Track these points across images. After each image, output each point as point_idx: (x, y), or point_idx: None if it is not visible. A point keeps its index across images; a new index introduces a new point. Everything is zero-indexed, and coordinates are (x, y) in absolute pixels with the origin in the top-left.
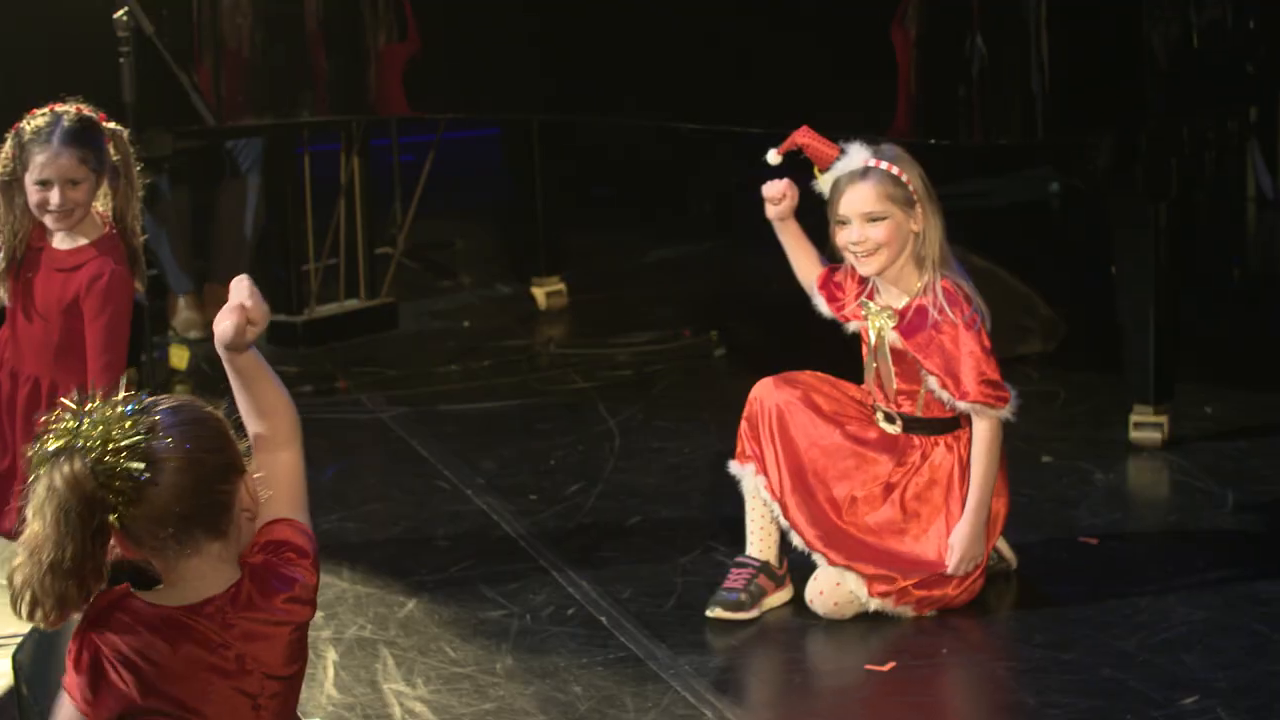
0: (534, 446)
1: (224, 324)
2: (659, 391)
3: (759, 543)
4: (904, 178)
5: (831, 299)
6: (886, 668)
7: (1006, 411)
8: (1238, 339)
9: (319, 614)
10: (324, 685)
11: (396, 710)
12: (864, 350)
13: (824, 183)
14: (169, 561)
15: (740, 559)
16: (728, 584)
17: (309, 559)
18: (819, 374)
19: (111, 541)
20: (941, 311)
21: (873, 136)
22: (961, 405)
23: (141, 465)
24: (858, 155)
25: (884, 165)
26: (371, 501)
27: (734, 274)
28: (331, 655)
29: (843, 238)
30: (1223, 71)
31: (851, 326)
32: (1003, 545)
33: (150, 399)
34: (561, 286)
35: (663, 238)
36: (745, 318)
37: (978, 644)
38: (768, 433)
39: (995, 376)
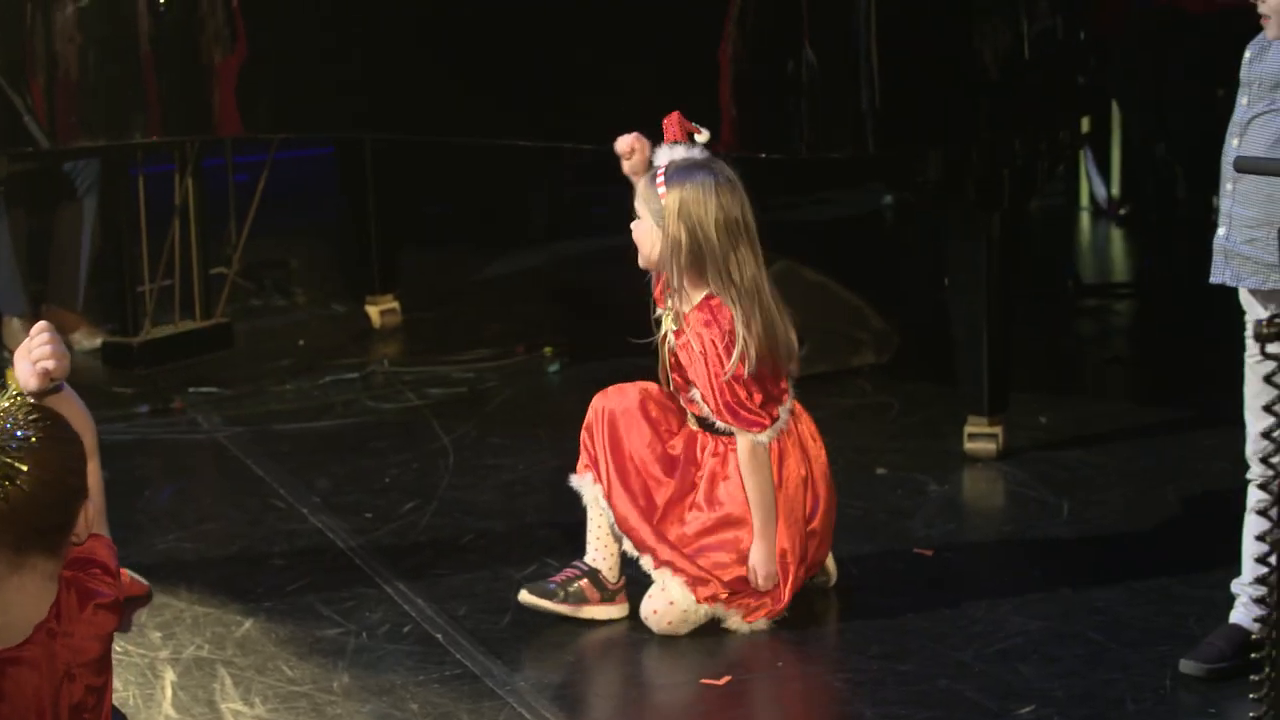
0: (369, 465)
1: (27, 379)
2: (493, 408)
3: (594, 551)
4: (661, 190)
5: (657, 288)
6: (722, 681)
7: (763, 436)
8: (1071, 349)
9: (156, 634)
10: (162, 706)
11: None
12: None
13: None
14: None
15: (574, 562)
16: (551, 577)
17: (112, 575)
18: (653, 384)
19: None
20: (694, 330)
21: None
22: (719, 424)
23: (18, 464)
24: (665, 155)
25: (659, 172)
26: (207, 521)
27: (568, 289)
28: (170, 675)
29: None
30: (1054, 82)
31: (658, 311)
32: (828, 560)
33: (29, 406)
34: (395, 304)
35: (497, 254)
36: (579, 333)
37: (814, 656)
38: (600, 437)
39: (740, 399)
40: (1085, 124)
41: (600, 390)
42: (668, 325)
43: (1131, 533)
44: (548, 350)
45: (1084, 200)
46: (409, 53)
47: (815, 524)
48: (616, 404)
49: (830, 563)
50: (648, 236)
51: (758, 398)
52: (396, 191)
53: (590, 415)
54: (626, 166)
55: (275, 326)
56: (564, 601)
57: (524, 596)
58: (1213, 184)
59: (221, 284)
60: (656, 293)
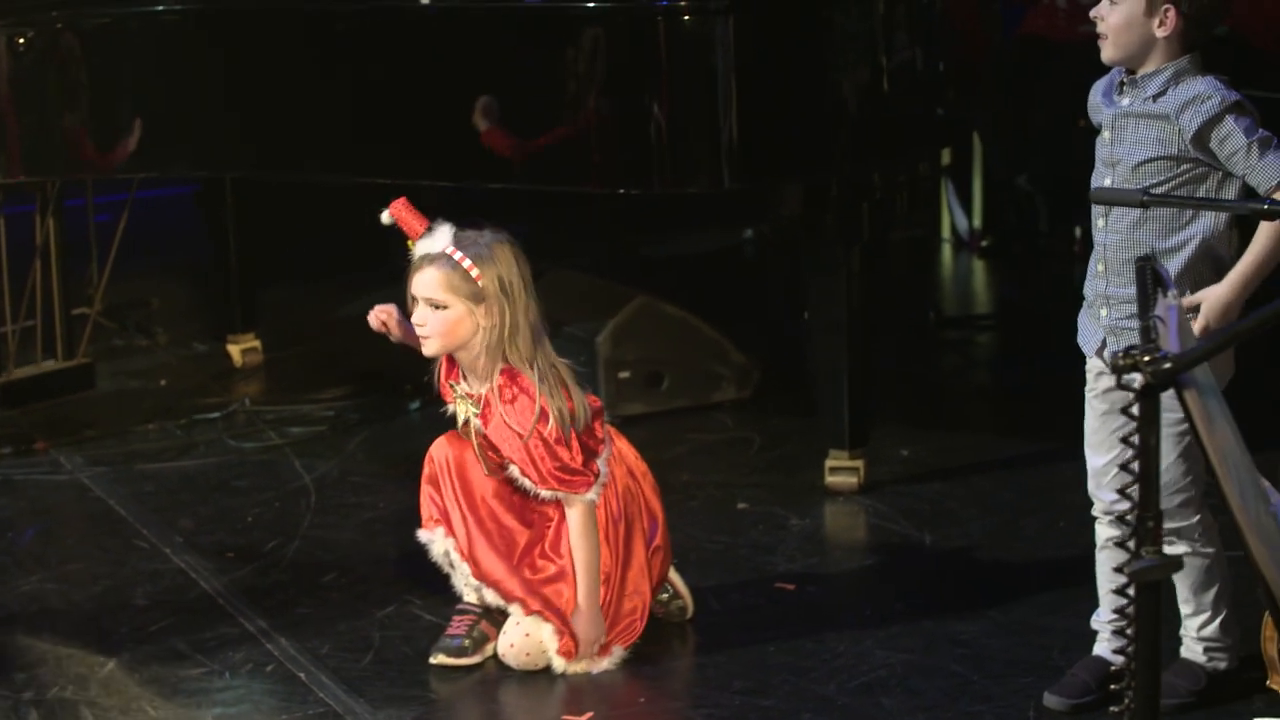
0: (231, 504)
1: None
2: (354, 446)
3: (473, 594)
4: (474, 273)
5: (438, 383)
6: (584, 717)
7: (591, 494)
8: (933, 381)
9: (20, 675)
10: None
11: None
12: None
13: (414, 254)
14: None
15: (461, 606)
16: (450, 631)
17: None
18: None
19: None
20: (503, 404)
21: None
22: (544, 494)
23: None
24: (442, 238)
25: (458, 256)
26: (71, 562)
27: None
28: (33, 717)
29: (413, 315)
30: (914, 114)
31: (449, 409)
32: (678, 582)
33: None
34: (257, 343)
35: (358, 292)
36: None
37: (676, 692)
38: (449, 487)
39: (564, 463)
40: (946, 156)
41: (435, 440)
42: (468, 412)
43: (994, 565)
44: (409, 388)
45: (945, 232)
46: (267, 92)
47: (658, 540)
48: (459, 451)
49: (681, 585)
50: (460, 324)
51: (579, 456)
52: (257, 230)
53: (432, 466)
54: (393, 338)
55: (137, 366)
56: (475, 652)
57: (437, 659)
58: (1074, 216)
59: (83, 324)
60: (443, 384)
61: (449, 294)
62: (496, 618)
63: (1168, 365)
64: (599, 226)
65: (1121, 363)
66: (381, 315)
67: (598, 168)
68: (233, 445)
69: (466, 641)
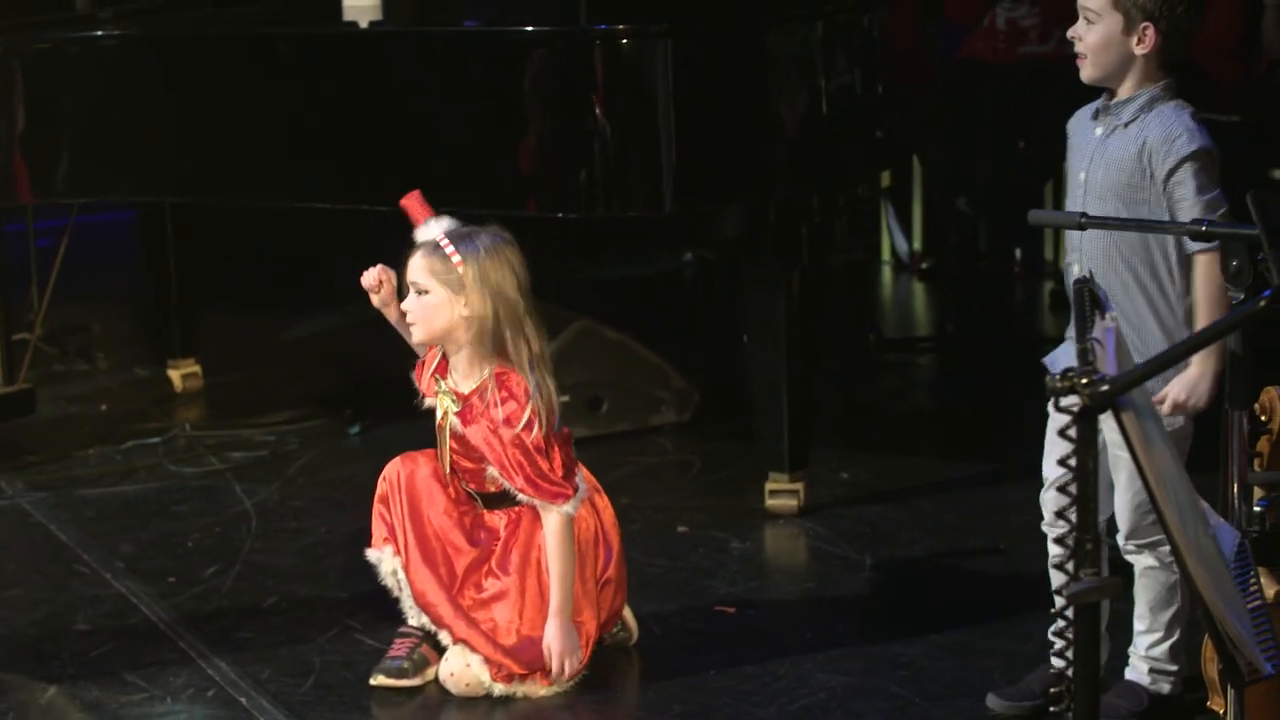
0: (172, 529)
1: None
2: (294, 471)
3: (417, 617)
4: (455, 259)
5: (420, 373)
6: None
7: (569, 506)
8: (873, 403)
9: None
10: None
11: None
12: (436, 426)
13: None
14: None
15: (403, 630)
16: (391, 652)
17: None
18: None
19: None
20: (489, 405)
21: (502, 212)
22: (522, 498)
23: None
24: (437, 227)
25: (444, 243)
26: (11, 587)
27: (370, 351)
28: None
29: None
30: (853, 137)
31: (428, 402)
32: (627, 613)
33: None
34: (197, 368)
35: (298, 317)
36: (380, 395)
37: (617, 717)
38: (398, 506)
39: (544, 471)
40: (886, 178)
41: (390, 460)
42: (446, 407)
43: (934, 587)
44: (348, 413)
45: (885, 254)
46: (206, 117)
47: (610, 573)
48: (411, 471)
49: (630, 618)
50: (439, 310)
51: (559, 468)
52: (197, 255)
53: (384, 486)
54: (376, 300)
55: (78, 391)
56: (415, 674)
57: (378, 680)
58: (1014, 237)
59: (24, 349)
60: (423, 377)
61: (430, 278)
62: (439, 642)
63: (1105, 387)
64: (539, 249)
65: (1059, 385)
66: (381, 275)
67: (538, 192)
68: (173, 470)
69: (407, 664)
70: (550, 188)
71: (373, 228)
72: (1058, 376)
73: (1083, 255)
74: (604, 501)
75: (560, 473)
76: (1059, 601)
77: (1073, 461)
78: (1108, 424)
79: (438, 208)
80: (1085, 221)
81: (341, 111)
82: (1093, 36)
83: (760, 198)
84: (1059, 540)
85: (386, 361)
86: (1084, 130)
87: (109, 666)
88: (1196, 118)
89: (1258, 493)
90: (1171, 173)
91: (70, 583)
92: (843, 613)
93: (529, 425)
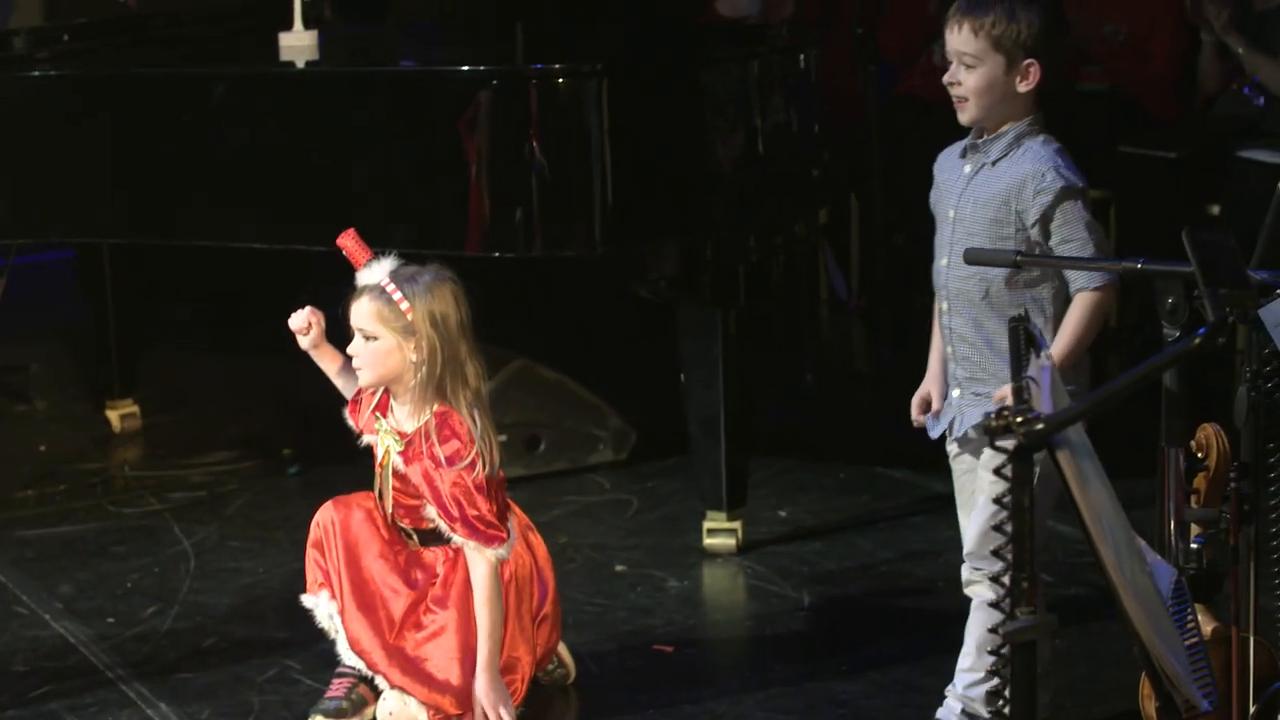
0: (110, 569)
1: None
2: (233, 511)
3: (353, 658)
4: (404, 306)
5: (354, 412)
6: None
7: (503, 550)
8: (811, 441)
9: None
10: None
11: None
12: (376, 465)
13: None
14: None
15: (340, 670)
16: (329, 693)
17: None
18: (372, 495)
19: None
20: (432, 444)
21: (439, 252)
22: (456, 539)
23: None
24: (380, 270)
25: (390, 289)
26: None
27: (308, 390)
28: None
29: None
30: (790, 176)
31: (365, 440)
32: (563, 650)
33: None
34: (135, 408)
35: (238, 357)
36: (318, 435)
37: None
38: (333, 551)
39: (483, 513)
40: (823, 216)
41: (323, 504)
42: (388, 445)
43: (873, 625)
44: (286, 452)
45: (822, 293)
46: (143, 157)
47: (546, 609)
48: (345, 516)
49: (566, 655)
50: (388, 356)
51: (494, 510)
52: (135, 295)
53: (317, 531)
54: (304, 343)
55: (15, 432)
56: (353, 714)
57: None
58: None
59: None
60: (360, 415)
61: (379, 325)
62: (375, 683)
63: (1040, 426)
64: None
65: (994, 424)
66: (310, 318)
67: (473, 231)
68: (112, 510)
69: (345, 704)
70: (485, 227)
71: (310, 268)
72: (993, 415)
73: (949, 294)
74: (537, 539)
75: (495, 514)
76: (969, 641)
77: (1008, 499)
78: (987, 451)
79: (376, 247)
80: (1021, 260)
81: (278, 151)
82: (974, 80)
83: (696, 237)
84: (994, 578)
85: (325, 401)
86: (952, 168)
87: (48, 707)
88: (1063, 154)
89: (1194, 529)
90: (1046, 211)
91: (8, 624)
92: (781, 651)
93: (471, 464)
